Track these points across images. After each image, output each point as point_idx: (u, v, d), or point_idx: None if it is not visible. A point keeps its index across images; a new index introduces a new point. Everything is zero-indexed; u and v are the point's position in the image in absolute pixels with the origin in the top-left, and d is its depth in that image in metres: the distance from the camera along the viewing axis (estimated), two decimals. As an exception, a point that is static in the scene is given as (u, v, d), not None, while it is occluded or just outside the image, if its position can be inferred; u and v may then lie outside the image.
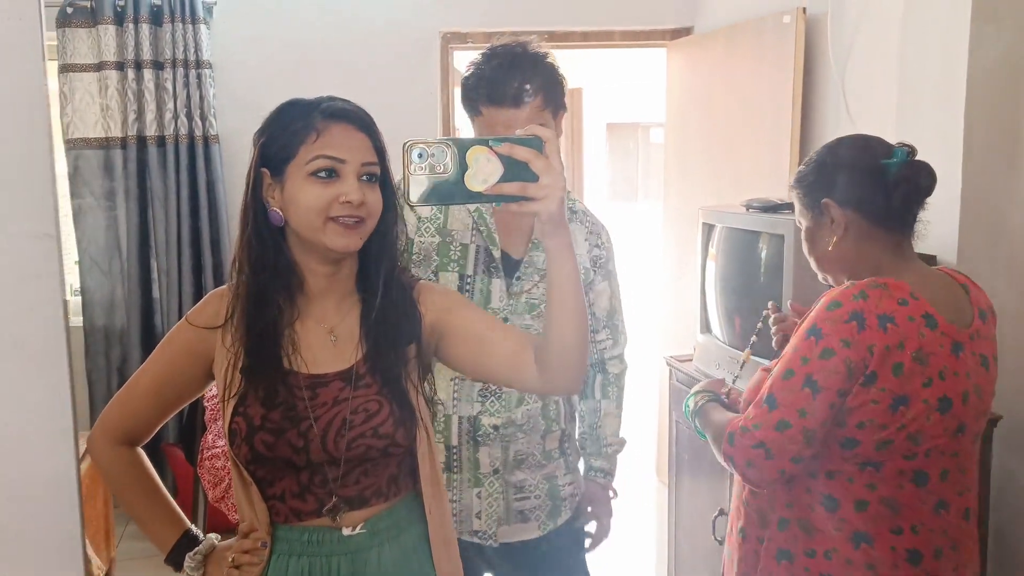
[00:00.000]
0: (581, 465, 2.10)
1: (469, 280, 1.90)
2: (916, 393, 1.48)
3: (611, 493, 2.10)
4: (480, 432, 1.91)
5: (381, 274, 1.42)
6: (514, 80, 1.75)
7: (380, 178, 1.39)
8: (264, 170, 1.38)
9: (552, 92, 1.80)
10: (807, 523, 1.57)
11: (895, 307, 1.48)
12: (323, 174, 1.34)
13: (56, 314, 1.40)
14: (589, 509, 2.08)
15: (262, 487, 1.39)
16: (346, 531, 1.40)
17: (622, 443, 2.12)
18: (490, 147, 1.15)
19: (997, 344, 1.66)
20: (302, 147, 1.34)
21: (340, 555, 1.40)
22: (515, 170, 1.15)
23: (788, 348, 1.55)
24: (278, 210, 1.37)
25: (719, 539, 2.41)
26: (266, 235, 1.38)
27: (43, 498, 1.40)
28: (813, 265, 1.69)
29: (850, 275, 1.60)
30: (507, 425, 1.92)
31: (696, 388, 1.84)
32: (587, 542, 2.10)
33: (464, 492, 1.92)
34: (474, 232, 1.90)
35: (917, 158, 1.58)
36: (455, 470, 1.92)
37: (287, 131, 1.36)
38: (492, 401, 1.92)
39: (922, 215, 1.63)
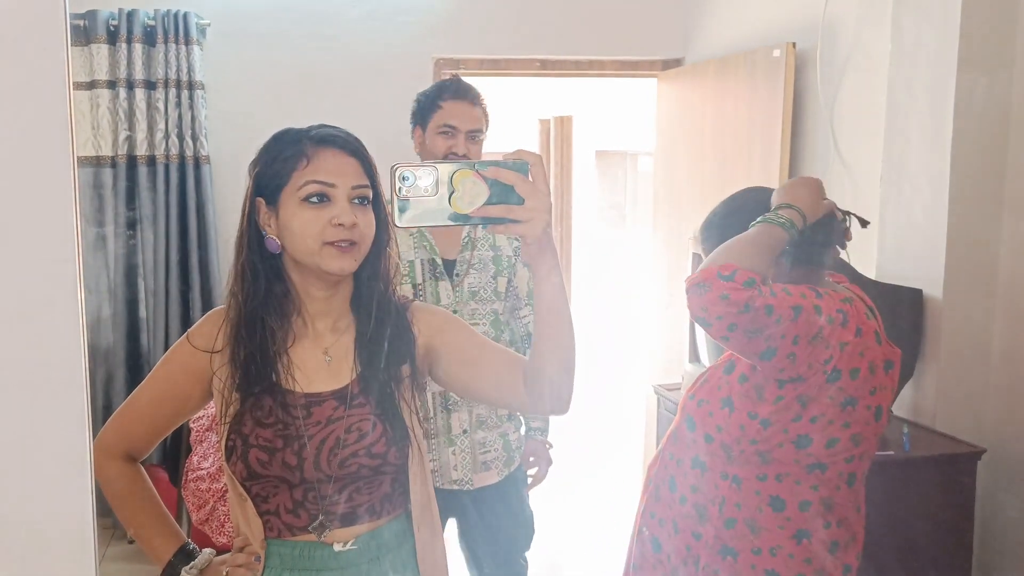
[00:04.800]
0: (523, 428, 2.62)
1: (420, 287, 2.30)
2: (863, 398, 1.61)
3: (547, 445, 2.61)
4: (450, 401, 2.37)
5: (375, 296, 1.44)
6: (472, 89, 2.39)
7: (372, 201, 1.41)
8: (259, 199, 1.41)
9: (487, 114, 2.42)
10: (753, 523, 1.67)
11: (864, 319, 1.61)
12: (315, 199, 1.37)
13: (76, 346, 1.36)
14: (531, 459, 2.59)
15: (257, 503, 1.42)
16: (337, 547, 1.42)
17: None
18: (476, 170, 1.15)
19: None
20: (294, 174, 1.37)
21: (330, 570, 1.42)
22: (501, 193, 1.16)
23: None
24: (275, 237, 1.40)
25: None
26: (262, 263, 1.41)
27: (55, 534, 1.37)
28: None
29: None
30: None
31: (786, 209, 1.65)
32: (531, 482, 2.61)
33: (442, 451, 2.38)
34: (417, 248, 2.31)
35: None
36: (433, 436, 2.36)
37: (279, 159, 1.39)
38: None
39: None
